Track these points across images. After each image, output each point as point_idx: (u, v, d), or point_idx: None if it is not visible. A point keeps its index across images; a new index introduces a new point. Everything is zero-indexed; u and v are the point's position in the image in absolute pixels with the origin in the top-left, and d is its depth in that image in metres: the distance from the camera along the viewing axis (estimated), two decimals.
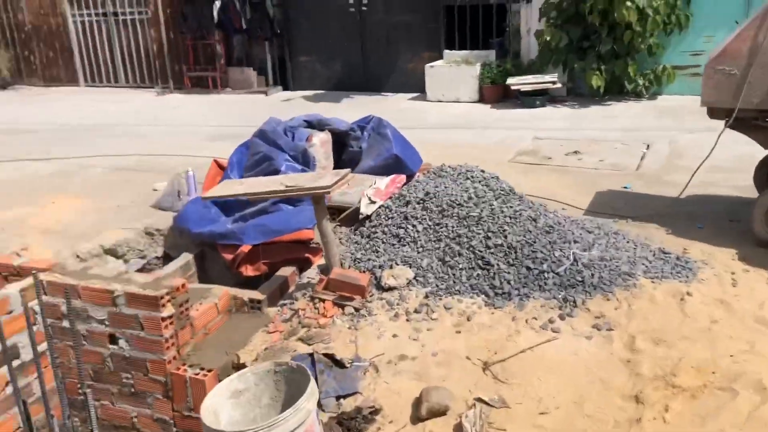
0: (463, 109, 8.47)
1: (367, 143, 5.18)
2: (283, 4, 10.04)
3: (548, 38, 8.15)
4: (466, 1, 9.18)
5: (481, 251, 3.66)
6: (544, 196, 4.82)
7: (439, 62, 9.16)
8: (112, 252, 4.57)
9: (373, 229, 4.07)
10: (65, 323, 3.23)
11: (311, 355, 2.97)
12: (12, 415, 3.21)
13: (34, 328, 3.33)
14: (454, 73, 8.80)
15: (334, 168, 5.15)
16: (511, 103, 8.51)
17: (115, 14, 11.09)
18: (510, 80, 8.34)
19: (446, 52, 9.22)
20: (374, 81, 9.89)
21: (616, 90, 8.45)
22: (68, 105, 10.04)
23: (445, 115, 8.18)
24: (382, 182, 4.57)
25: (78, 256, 4.42)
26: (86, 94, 11.04)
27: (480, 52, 9.10)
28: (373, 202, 4.38)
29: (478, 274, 3.58)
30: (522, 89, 8.20)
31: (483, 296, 3.48)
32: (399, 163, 5.09)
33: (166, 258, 4.78)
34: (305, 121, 4.65)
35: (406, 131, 5.43)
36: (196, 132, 7.84)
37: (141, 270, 4.64)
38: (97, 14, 11.19)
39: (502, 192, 4.10)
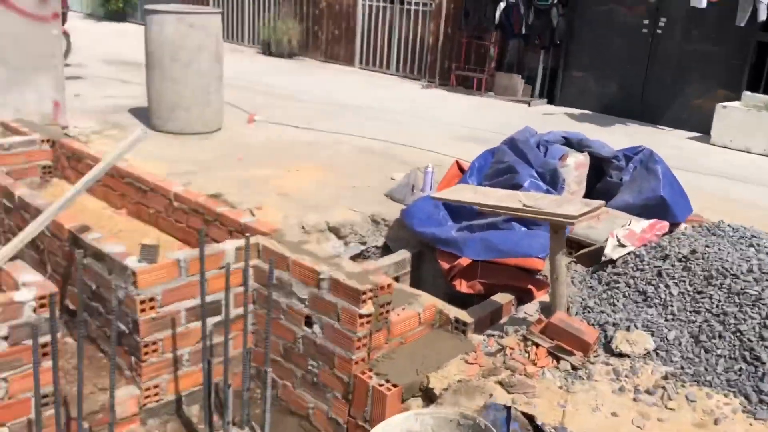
0: (754, 161, 7.22)
1: (630, 176, 4.51)
2: (569, 13, 9.45)
3: None
4: None
5: (751, 340, 2.86)
6: None
7: (735, 103, 7.93)
8: (335, 231, 4.48)
9: (616, 278, 3.44)
10: (270, 292, 3.12)
11: (508, 409, 2.49)
12: (199, 369, 3.18)
13: (239, 289, 3.27)
14: (752, 118, 7.54)
15: (585, 196, 4.55)
16: None
17: (401, 2, 11.35)
18: None
19: (746, 93, 7.94)
20: (652, 111, 8.90)
21: None
22: (341, 83, 10.50)
23: (730, 164, 7.02)
24: (639, 225, 3.89)
25: (303, 228, 4.39)
26: (357, 75, 11.49)
27: None
28: (623, 246, 3.73)
29: (740, 369, 2.80)
30: None
31: (742, 398, 2.71)
32: (664, 206, 4.36)
33: (385, 249, 4.59)
34: (563, 137, 4.12)
35: (677, 171, 4.64)
36: (449, 130, 7.65)
37: (358, 256, 4.49)
38: (385, 0, 11.56)
39: None
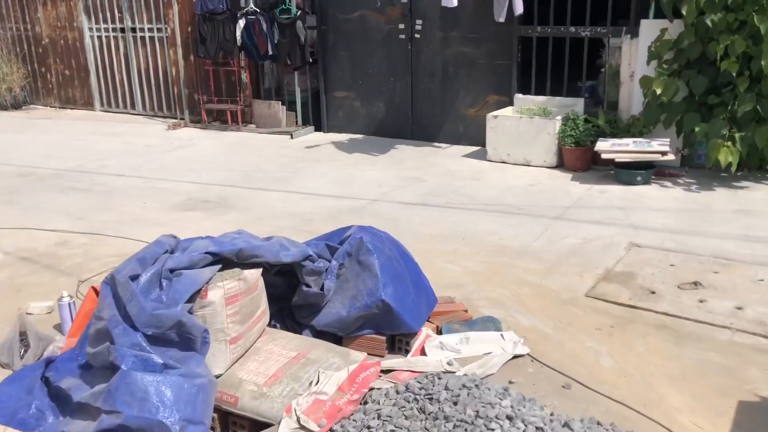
0: (533, 178, 6.21)
1: (335, 279, 3.10)
2: (319, 26, 8.10)
3: (658, 90, 5.80)
4: (548, 32, 6.93)
5: None
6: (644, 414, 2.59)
7: (507, 110, 6.95)
8: None
9: None
10: None
11: None
12: None
13: None
14: (526, 126, 6.55)
15: (278, 320, 3.11)
16: (600, 175, 6.20)
17: (134, 30, 9.50)
18: (600, 145, 6.02)
19: (518, 96, 6.99)
20: (424, 127, 7.78)
21: (755, 166, 5.99)
22: (60, 136, 8.46)
23: (506, 187, 5.95)
24: (332, 381, 2.47)
25: None
26: (92, 121, 9.47)
27: (564, 100, 6.81)
28: (303, 430, 2.30)
29: None
30: (617, 159, 5.89)
31: None
32: (390, 313, 3.02)
33: None
34: (209, 253, 2.60)
35: (445, 213, 3.37)
36: (178, 190, 6.00)
37: None
38: (114, 29, 9.64)
39: None
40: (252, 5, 8.11)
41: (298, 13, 7.93)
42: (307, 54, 8.10)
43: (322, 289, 3.03)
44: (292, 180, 6.34)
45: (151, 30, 9.33)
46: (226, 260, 2.68)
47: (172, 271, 2.48)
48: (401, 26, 7.62)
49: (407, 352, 3.09)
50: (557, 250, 4.43)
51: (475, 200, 5.57)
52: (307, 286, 3.02)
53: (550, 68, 7.02)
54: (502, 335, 3.23)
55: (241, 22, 8.14)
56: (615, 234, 4.68)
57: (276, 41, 8.10)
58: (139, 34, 9.46)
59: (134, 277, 2.45)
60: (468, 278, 4.01)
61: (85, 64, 10.01)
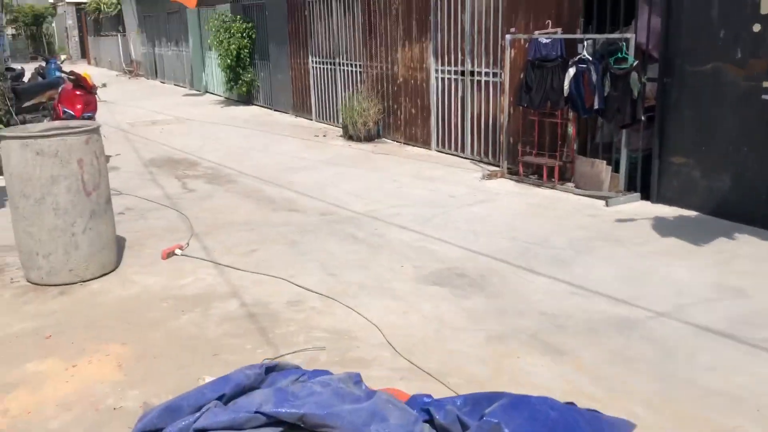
0: None
1: None
2: (661, 79, 6.77)
3: None
4: None
5: None
6: None
7: None
8: None
9: None
10: None
11: None
12: None
13: None
14: None
15: None
16: None
17: (472, 73, 9.33)
18: None
19: None
20: None
21: None
22: (383, 175, 8.70)
23: None
24: None
25: None
26: (418, 161, 9.57)
27: None
28: None
29: None
30: None
31: None
32: None
33: None
34: (261, 413, 2.00)
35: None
36: (445, 254, 5.51)
37: None
38: (456, 72, 9.61)
39: None
40: (586, 53, 7.19)
41: (635, 63, 6.74)
42: (639, 110, 6.84)
43: None
44: (573, 264, 5.31)
45: (487, 74, 9.05)
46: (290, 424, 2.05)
47: None
48: (765, 84, 5.88)
49: None
50: None
51: None
52: None
53: None
54: None
55: (571, 71, 7.27)
56: None
57: (605, 93, 7.03)
58: (476, 78, 9.26)
59: None
60: None
61: (428, 104, 10.23)
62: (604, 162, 7.45)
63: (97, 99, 9.63)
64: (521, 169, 8.27)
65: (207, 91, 20.43)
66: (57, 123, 5.49)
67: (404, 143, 10.92)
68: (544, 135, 8.15)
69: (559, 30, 7.72)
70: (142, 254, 5.70)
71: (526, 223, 6.49)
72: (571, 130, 7.81)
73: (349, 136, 11.45)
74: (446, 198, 7.50)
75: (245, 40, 16.22)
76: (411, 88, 10.60)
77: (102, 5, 34.01)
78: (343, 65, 12.49)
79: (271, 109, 15.85)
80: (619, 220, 6.47)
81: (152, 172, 9.08)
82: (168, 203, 7.40)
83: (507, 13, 8.51)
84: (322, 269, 5.29)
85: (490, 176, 8.39)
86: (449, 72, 9.75)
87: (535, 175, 8.21)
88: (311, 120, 13.89)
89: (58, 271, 4.98)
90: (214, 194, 7.85)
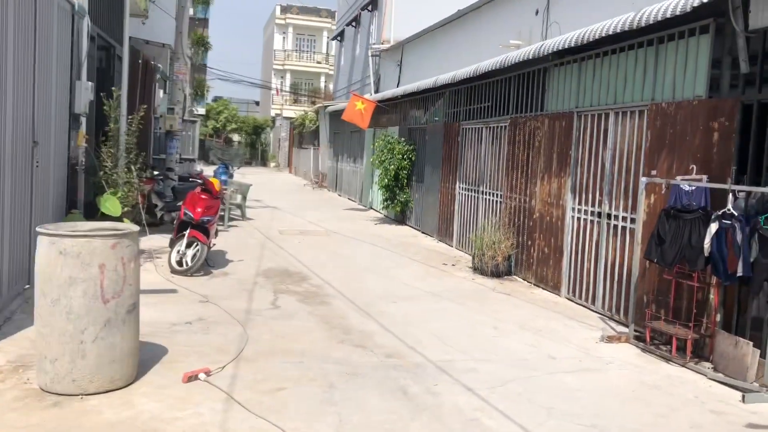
0: None
1: None
2: None
3: None
4: None
5: None
6: None
7: None
8: None
9: None
10: None
11: None
12: None
13: None
14: None
15: None
16: None
17: (608, 216, 8.17)
18: None
19: None
20: None
21: None
22: (488, 319, 7.68)
23: None
24: None
25: None
26: (539, 308, 8.40)
27: None
28: None
29: None
30: None
31: None
32: None
33: None
34: None
35: None
36: None
37: None
38: (592, 212, 8.51)
39: None
40: (732, 207, 5.87)
41: None
42: None
43: None
44: None
45: (624, 219, 7.86)
46: None
47: None
48: None
49: None
50: None
51: None
52: None
53: None
54: None
55: (713, 227, 5.96)
56: None
57: (752, 259, 5.61)
58: (612, 221, 8.09)
59: None
60: None
61: (561, 244, 9.14)
62: (751, 343, 5.87)
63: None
64: (648, 336, 6.84)
65: (371, 207, 20.75)
66: (106, 224, 5.37)
67: (534, 284, 9.81)
68: (681, 299, 6.73)
69: (705, 177, 6.47)
70: (170, 372, 5.26)
71: (623, 408, 5.14)
72: (713, 297, 6.35)
73: (475, 269, 10.59)
74: (543, 359, 6.31)
75: (405, 162, 16.28)
76: (546, 225, 9.61)
77: (306, 120, 37.05)
78: (486, 193, 11.84)
79: (419, 231, 15.49)
80: (752, 427, 4.89)
81: (256, 283, 8.89)
82: (243, 318, 7.03)
83: (649, 153, 7.39)
84: (333, 431, 4.44)
85: (610, 339, 7.03)
86: (586, 212, 8.67)
87: (666, 345, 6.74)
88: (451, 246, 13.24)
89: (61, 378, 4.66)
90: (296, 315, 7.36)
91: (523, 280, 10.13)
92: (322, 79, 55.99)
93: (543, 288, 9.54)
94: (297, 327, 6.88)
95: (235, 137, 62.31)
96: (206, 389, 4.97)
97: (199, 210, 9.12)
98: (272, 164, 54.23)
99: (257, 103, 69.08)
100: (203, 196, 9.36)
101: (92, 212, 9.21)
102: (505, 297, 8.99)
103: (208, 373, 5.22)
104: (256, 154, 59.35)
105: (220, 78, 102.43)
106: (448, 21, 17.12)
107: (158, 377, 5.15)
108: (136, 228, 5.06)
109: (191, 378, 5.10)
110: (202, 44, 45.32)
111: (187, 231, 9.06)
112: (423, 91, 15.14)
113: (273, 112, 56.50)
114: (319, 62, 57.52)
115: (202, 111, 54.43)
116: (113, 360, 4.78)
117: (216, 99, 61.55)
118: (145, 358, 5.47)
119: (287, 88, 56.95)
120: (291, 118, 46.30)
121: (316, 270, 10.01)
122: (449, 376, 5.63)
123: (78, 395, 4.67)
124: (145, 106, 11.97)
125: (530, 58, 9.58)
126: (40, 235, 4.72)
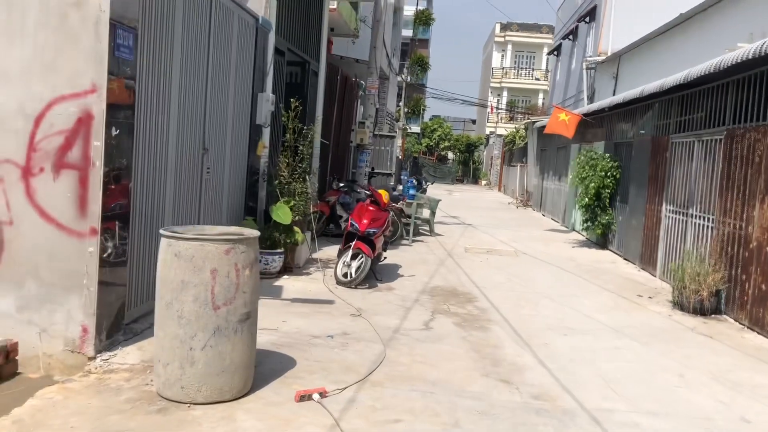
0: None
1: None
2: None
3: None
4: None
5: None
6: None
7: None
8: None
9: None
10: None
11: None
12: None
13: None
14: None
15: None
16: None
17: None
18: None
19: None
20: None
21: None
22: (689, 373, 6.41)
23: None
24: None
25: None
26: (738, 356, 6.88)
27: None
28: None
29: None
30: None
31: None
32: None
33: None
34: None
35: None
36: None
37: None
38: None
39: None
40: None
41: None
42: None
43: None
44: None
45: None
46: None
47: None
48: None
49: None
50: None
51: None
52: None
53: None
54: None
55: None
56: None
57: None
58: None
59: None
60: None
61: None
62: None
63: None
64: None
65: (574, 229, 19.34)
66: (232, 229, 5.24)
67: (747, 327, 8.15)
68: None
69: None
70: (286, 389, 4.95)
71: None
72: None
73: (675, 303, 9.10)
74: (733, 420, 5.03)
75: (608, 180, 14.85)
76: (765, 256, 7.93)
77: (516, 137, 36.13)
78: (695, 217, 10.22)
79: (620, 256, 13.97)
80: None
81: (417, 300, 8.42)
82: (388, 336, 6.59)
83: None
84: None
85: None
86: None
87: None
88: (654, 276, 11.66)
89: (171, 384, 4.56)
90: (445, 339, 6.75)
91: (735, 321, 8.48)
92: (540, 96, 54.58)
93: (758, 332, 7.87)
94: (442, 352, 6.27)
95: (450, 155, 63.02)
96: (316, 412, 4.58)
97: (365, 222, 8.90)
98: (483, 182, 53.88)
99: (473, 122, 69.36)
100: (371, 208, 9.14)
101: (270, 220, 9.42)
102: (705, 339, 7.54)
103: (323, 393, 4.83)
104: (468, 171, 59.44)
105: (434, 96, 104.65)
106: (669, 27, 15.43)
107: (272, 393, 4.87)
108: (255, 234, 4.84)
109: (304, 397, 4.75)
110: (420, 64, 46.44)
111: (353, 243, 8.89)
112: (630, 102, 13.68)
113: (488, 130, 56.26)
114: (537, 79, 56.23)
115: (416, 129, 55.85)
116: (222, 370, 4.58)
117: (432, 117, 62.86)
118: (269, 370, 5.26)
119: (503, 106, 56.40)
120: (504, 135, 45.62)
121: (487, 291, 9.29)
122: (602, 431, 4.66)
123: (186, 403, 4.53)
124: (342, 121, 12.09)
125: (749, 58, 8.03)
126: (162, 237, 4.68)
